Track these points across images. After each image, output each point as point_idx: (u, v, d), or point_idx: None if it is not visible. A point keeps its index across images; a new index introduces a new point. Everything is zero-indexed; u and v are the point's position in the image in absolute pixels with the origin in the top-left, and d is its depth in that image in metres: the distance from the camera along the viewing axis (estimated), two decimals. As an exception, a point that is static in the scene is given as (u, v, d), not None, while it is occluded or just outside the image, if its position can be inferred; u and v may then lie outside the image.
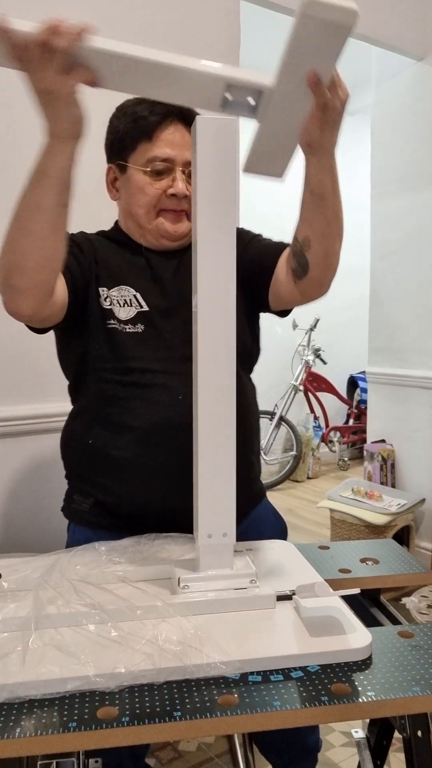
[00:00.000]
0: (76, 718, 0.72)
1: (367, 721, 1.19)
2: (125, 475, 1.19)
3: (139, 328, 1.20)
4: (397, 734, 0.98)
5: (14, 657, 0.80)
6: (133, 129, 1.21)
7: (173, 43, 2.00)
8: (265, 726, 0.74)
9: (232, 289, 0.94)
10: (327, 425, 5.00)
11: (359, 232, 4.23)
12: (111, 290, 1.22)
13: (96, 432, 1.23)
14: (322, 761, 1.66)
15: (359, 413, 5.09)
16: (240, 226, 1.34)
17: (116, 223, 1.37)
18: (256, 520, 1.31)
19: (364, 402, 4.83)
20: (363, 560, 1.19)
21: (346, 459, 4.99)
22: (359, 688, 0.78)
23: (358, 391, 5.12)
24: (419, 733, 0.87)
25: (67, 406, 1.89)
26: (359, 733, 1.16)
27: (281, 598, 0.95)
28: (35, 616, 0.86)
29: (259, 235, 1.35)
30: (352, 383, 5.20)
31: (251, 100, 0.88)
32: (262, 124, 0.91)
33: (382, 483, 3.09)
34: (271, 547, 1.17)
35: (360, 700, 0.76)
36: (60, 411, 1.87)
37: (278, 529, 1.36)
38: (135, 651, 0.81)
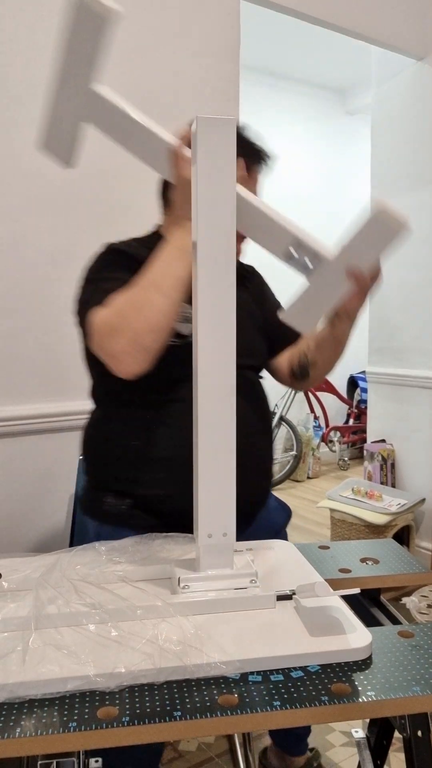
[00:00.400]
0: (76, 717, 0.72)
1: (367, 721, 1.19)
2: (170, 474, 1.21)
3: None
4: (397, 734, 0.98)
5: (14, 657, 0.80)
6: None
7: (173, 43, 2.00)
8: (265, 726, 0.75)
9: (232, 289, 0.94)
10: (327, 425, 5.00)
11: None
12: None
13: (138, 433, 1.23)
14: (322, 761, 1.67)
15: (359, 413, 5.09)
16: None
17: (155, 232, 1.38)
18: (268, 507, 1.36)
19: (364, 402, 4.83)
20: (363, 560, 1.19)
21: (346, 459, 5.00)
22: (359, 688, 0.78)
23: (358, 390, 5.12)
24: (419, 733, 0.87)
25: (67, 406, 1.89)
26: (359, 732, 1.16)
27: (281, 597, 0.95)
28: (35, 616, 0.86)
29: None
30: (352, 383, 5.21)
31: (309, 264, 1.04)
32: (311, 285, 1.07)
33: (382, 483, 3.09)
34: (271, 546, 1.17)
35: (360, 699, 0.76)
36: (61, 411, 1.88)
37: (287, 513, 1.45)
38: (135, 651, 0.81)
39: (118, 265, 1.22)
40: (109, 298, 1.11)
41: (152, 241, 1.29)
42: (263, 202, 1.05)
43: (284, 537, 1.40)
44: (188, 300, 1.18)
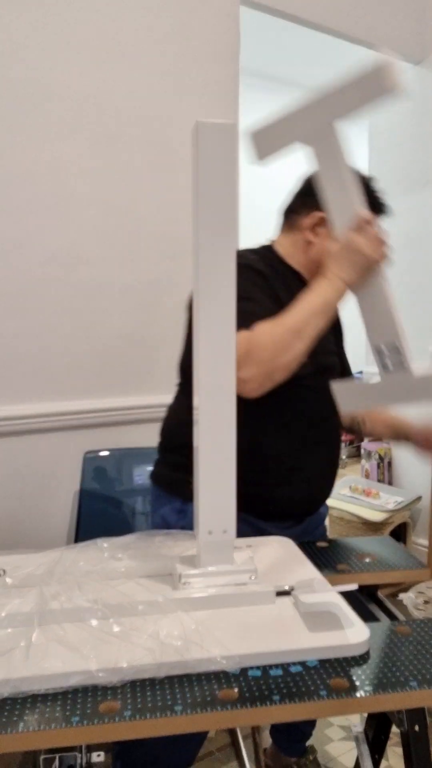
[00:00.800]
0: (78, 712, 0.73)
1: (365, 715, 1.20)
2: (272, 466, 1.30)
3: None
4: (394, 728, 1.00)
5: (18, 652, 0.81)
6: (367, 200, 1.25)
7: (173, 47, 2.00)
8: (265, 720, 0.76)
9: (232, 290, 0.95)
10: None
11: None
12: None
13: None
14: (320, 755, 1.68)
15: (357, 411, 5.09)
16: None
17: (270, 247, 1.39)
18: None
19: (362, 400, 4.83)
20: (361, 557, 1.20)
21: (344, 457, 5.00)
22: (357, 683, 0.79)
23: (356, 389, 5.12)
24: (417, 728, 0.89)
25: (68, 405, 1.90)
26: (357, 727, 1.17)
27: (280, 593, 0.96)
28: (39, 612, 0.87)
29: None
30: (350, 382, 5.20)
31: (390, 366, 1.16)
32: (380, 382, 1.15)
33: (379, 481, 3.10)
34: (271, 543, 1.18)
35: (358, 694, 0.78)
36: (61, 410, 1.89)
37: (324, 513, 1.52)
38: (137, 646, 0.82)
39: (257, 286, 1.27)
40: (253, 325, 1.17)
41: (268, 257, 1.35)
42: (389, 288, 1.13)
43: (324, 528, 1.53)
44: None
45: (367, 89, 1.01)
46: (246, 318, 1.18)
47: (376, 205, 1.32)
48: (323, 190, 1.15)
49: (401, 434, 1.46)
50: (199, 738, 1.35)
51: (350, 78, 1.03)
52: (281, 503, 1.32)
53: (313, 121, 1.08)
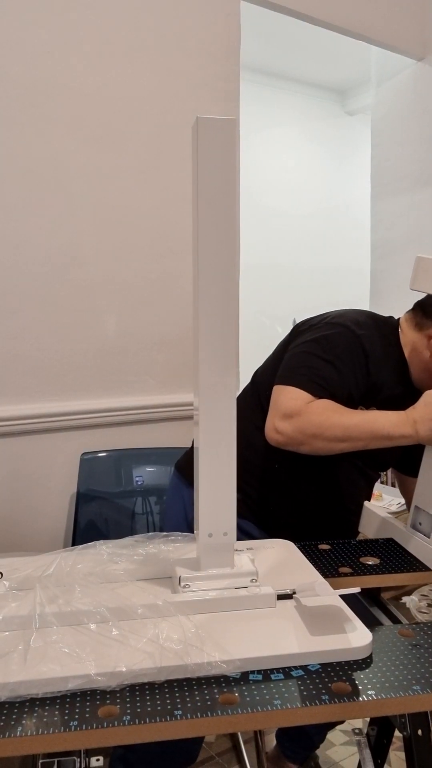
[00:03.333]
0: (77, 716, 0.72)
1: (368, 719, 1.19)
2: (289, 502, 1.34)
3: None
4: (397, 733, 0.99)
5: (16, 656, 0.80)
6: None
7: (173, 43, 2.00)
8: (266, 725, 0.75)
9: (233, 290, 0.94)
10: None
11: (359, 232, 4.22)
12: (369, 405, 1.28)
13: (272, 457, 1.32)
14: (323, 760, 1.67)
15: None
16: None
17: (395, 322, 1.38)
18: None
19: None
20: (363, 559, 1.19)
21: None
22: (359, 687, 0.78)
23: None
24: (419, 732, 0.88)
25: (67, 406, 1.89)
26: (360, 731, 1.16)
27: (282, 597, 0.95)
28: (36, 615, 0.86)
29: None
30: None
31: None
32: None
33: (382, 482, 3.09)
34: (272, 546, 1.17)
35: (360, 698, 0.77)
36: (58, 411, 1.88)
37: None
38: (136, 650, 0.81)
39: (353, 363, 1.25)
40: (322, 392, 1.19)
41: (387, 333, 1.33)
42: None
43: None
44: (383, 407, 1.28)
45: None
46: (320, 382, 1.21)
47: None
48: None
49: None
50: (200, 737, 1.35)
51: None
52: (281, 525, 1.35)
53: None
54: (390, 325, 1.36)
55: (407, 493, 1.48)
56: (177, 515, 1.42)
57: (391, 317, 1.39)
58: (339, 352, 1.24)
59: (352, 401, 1.22)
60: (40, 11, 1.77)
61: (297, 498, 1.34)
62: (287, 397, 1.20)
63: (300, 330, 1.34)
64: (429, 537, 1.21)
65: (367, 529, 1.42)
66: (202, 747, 1.73)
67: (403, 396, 1.27)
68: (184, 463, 1.48)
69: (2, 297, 1.79)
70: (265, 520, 1.36)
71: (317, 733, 1.55)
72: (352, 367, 1.23)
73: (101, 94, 1.89)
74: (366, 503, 1.44)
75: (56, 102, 1.81)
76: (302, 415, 1.16)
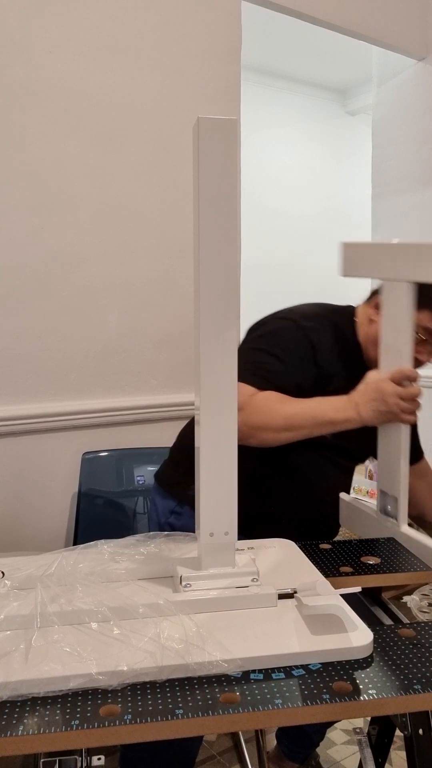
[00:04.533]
0: (78, 716, 0.72)
1: (369, 719, 1.19)
2: (268, 497, 1.33)
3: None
4: (398, 732, 0.99)
5: (17, 655, 0.80)
6: (422, 291, 1.22)
7: (175, 44, 2.00)
8: (267, 724, 0.75)
9: (234, 290, 0.94)
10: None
11: (360, 231, 4.21)
12: (324, 390, 1.26)
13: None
14: (323, 759, 1.67)
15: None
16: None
17: (352, 310, 1.39)
18: None
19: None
20: (364, 559, 1.19)
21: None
22: (360, 686, 0.78)
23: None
24: (420, 731, 0.88)
25: (68, 406, 1.90)
26: (361, 731, 1.16)
27: (283, 596, 0.95)
28: (38, 614, 0.86)
29: None
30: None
31: None
32: None
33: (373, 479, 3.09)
34: (273, 545, 1.17)
35: (361, 698, 0.77)
36: (62, 410, 1.88)
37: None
38: (137, 649, 0.81)
39: (298, 353, 1.27)
40: (265, 384, 1.20)
41: (344, 317, 1.35)
42: (407, 448, 1.17)
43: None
44: (339, 392, 1.26)
45: None
46: (265, 375, 1.22)
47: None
48: (382, 328, 1.17)
49: None
50: (199, 736, 1.35)
51: None
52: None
53: (396, 271, 1.10)
54: (346, 314, 1.37)
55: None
56: (152, 523, 1.44)
57: (349, 306, 1.40)
58: (284, 345, 1.27)
59: (301, 393, 1.23)
60: (40, 11, 1.78)
61: (269, 495, 1.34)
62: (241, 395, 1.20)
63: (252, 329, 1.36)
64: (397, 520, 1.21)
65: (345, 522, 1.43)
66: (203, 746, 1.73)
67: (358, 384, 1.28)
68: (160, 473, 1.49)
69: (4, 297, 1.79)
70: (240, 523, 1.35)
71: (316, 732, 1.55)
72: (299, 358, 1.25)
73: (102, 95, 1.89)
74: (341, 495, 1.42)
75: (57, 102, 1.81)
76: (246, 409, 1.16)
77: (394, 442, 1.18)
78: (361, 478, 3.19)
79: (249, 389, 1.20)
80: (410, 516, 1.47)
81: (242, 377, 1.20)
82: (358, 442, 1.30)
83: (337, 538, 2.15)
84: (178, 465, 1.43)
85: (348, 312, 1.38)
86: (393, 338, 1.16)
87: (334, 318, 1.34)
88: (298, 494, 1.37)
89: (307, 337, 1.28)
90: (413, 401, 1.13)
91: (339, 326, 1.33)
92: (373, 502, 2.91)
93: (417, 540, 1.18)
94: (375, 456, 1.39)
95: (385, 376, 1.14)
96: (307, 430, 1.17)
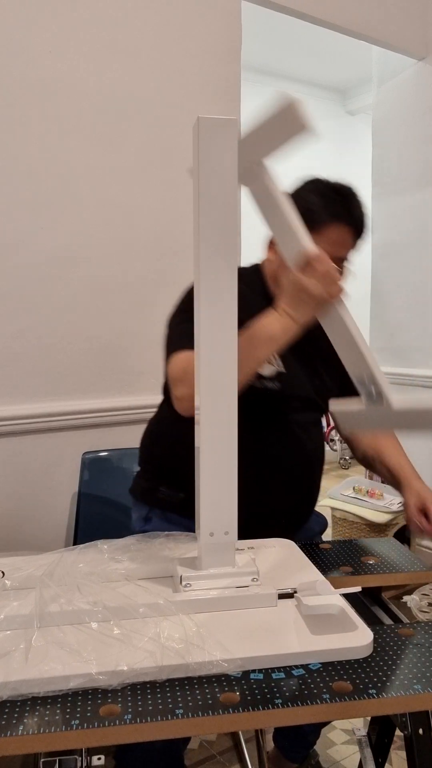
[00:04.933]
0: (78, 715, 0.73)
1: (369, 719, 1.19)
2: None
3: (276, 385, 1.27)
4: (398, 732, 0.99)
5: (17, 655, 0.80)
6: (305, 214, 1.21)
7: (175, 44, 2.00)
8: (267, 723, 0.75)
9: (233, 290, 0.94)
10: (328, 424, 5.00)
11: (360, 231, 4.18)
12: None
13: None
14: (323, 759, 1.67)
15: (360, 412, 5.08)
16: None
17: (257, 267, 1.38)
18: (311, 521, 1.44)
19: (366, 401, 4.81)
20: (364, 558, 1.19)
21: (347, 458, 5.00)
22: (360, 686, 0.78)
23: (359, 390, 5.11)
24: (420, 731, 0.88)
25: (68, 405, 1.90)
26: (361, 730, 1.16)
27: (283, 596, 0.95)
28: (38, 614, 0.87)
29: None
30: (354, 382, 5.20)
31: (374, 395, 1.09)
32: (368, 409, 1.11)
33: (383, 482, 3.08)
34: (273, 545, 1.17)
35: (361, 697, 0.77)
36: (62, 410, 1.88)
37: (321, 525, 1.49)
38: (137, 649, 0.81)
39: None
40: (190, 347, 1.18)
41: (251, 277, 1.34)
42: (355, 324, 1.10)
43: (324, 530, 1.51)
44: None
45: (279, 130, 0.98)
46: (181, 342, 1.20)
47: (354, 220, 1.27)
48: (269, 227, 1.12)
49: (397, 488, 1.41)
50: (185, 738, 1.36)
51: (263, 119, 0.99)
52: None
53: (241, 162, 1.07)
54: (253, 268, 1.38)
55: (355, 442, 1.50)
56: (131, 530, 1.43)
57: (254, 264, 1.40)
58: (186, 306, 1.28)
59: None
60: (40, 11, 1.77)
61: (252, 488, 1.27)
62: (171, 366, 1.21)
63: (170, 314, 1.37)
64: (382, 398, 1.11)
65: (348, 429, 1.35)
66: (203, 746, 1.73)
67: None
68: (131, 487, 1.48)
69: (3, 297, 1.79)
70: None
71: (312, 732, 1.55)
72: None
73: (102, 94, 1.89)
74: (332, 406, 1.27)
75: (57, 102, 1.81)
76: (188, 370, 1.12)
77: (340, 326, 1.11)
78: (361, 477, 3.20)
79: (184, 354, 1.18)
80: (366, 458, 1.48)
81: (173, 349, 1.22)
82: (305, 389, 1.30)
83: (336, 538, 2.13)
84: (146, 473, 1.44)
85: (254, 268, 1.38)
86: (280, 229, 1.10)
87: (242, 274, 1.34)
88: (273, 468, 1.32)
89: None
90: (329, 274, 1.07)
91: (248, 281, 1.31)
92: (373, 502, 2.89)
93: (412, 409, 1.10)
94: (330, 393, 1.35)
95: (295, 272, 1.09)
96: (254, 360, 1.13)
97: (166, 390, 1.38)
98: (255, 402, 1.25)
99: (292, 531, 1.33)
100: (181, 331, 1.26)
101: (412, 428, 1.13)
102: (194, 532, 1.28)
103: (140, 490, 1.43)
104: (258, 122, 0.99)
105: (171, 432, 1.37)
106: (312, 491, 1.41)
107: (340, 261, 1.26)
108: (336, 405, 1.18)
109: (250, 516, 1.12)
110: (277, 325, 1.12)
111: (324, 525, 1.51)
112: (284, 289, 1.12)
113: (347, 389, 1.43)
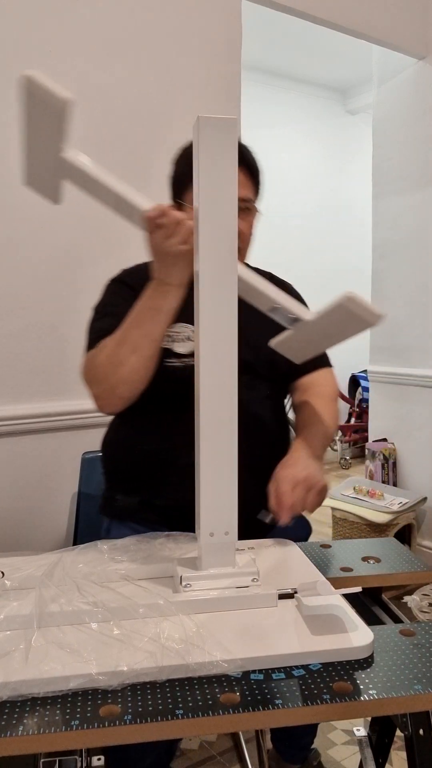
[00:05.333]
0: (78, 716, 0.72)
1: (369, 719, 1.19)
2: (181, 481, 1.20)
3: None
4: (398, 732, 0.98)
5: (17, 655, 0.80)
6: (189, 169, 1.20)
7: (175, 43, 2.00)
8: (267, 724, 0.75)
9: (233, 290, 0.94)
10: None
11: (361, 230, 4.21)
12: (170, 328, 1.23)
13: (151, 440, 1.28)
14: (324, 759, 1.67)
15: (361, 412, 5.09)
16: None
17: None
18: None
19: (366, 401, 4.83)
20: (365, 559, 1.19)
21: (347, 458, 5.00)
22: (361, 687, 0.78)
23: (359, 389, 5.12)
24: (421, 731, 0.87)
25: (68, 405, 1.89)
26: (361, 731, 1.16)
27: (283, 596, 0.95)
28: (38, 614, 0.86)
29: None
30: (354, 382, 5.20)
31: (291, 319, 1.10)
32: (294, 333, 1.12)
33: (383, 481, 3.09)
34: (273, 545, 1.17)
35: (362, 698, 0.76)
36: (62, 410, 1.88)
37: (306, 531, 1.41)
38: (137, 649, 0.81)
39: (116, 299, 1.29)
40: (99, 344, 1.19)
41: (140, 273, 1.31)
42: (246, 270, 1.09)
43: (308, 536, 1.43)
44: (187, 320, 1.22)
45: (347, 324, 1.07)
46: (100, 334, 1.22)
47: (242, 157, 1.22)
48: (108, 207, 1.11)
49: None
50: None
51: (324, 315, 1.06)
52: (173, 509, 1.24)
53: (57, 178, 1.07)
54: (144, 266, 1.35)
55: (297, 410, 1.41)
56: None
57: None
58: (107, 301, 1.31)
59: None
60: (40, 11, 1.77)
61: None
62: (82, 369, 1.23)
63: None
64: (296, 317, 1.10)
65: (286, 353, 1.24)
66: (203, 746, 1.73)
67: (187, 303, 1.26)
68: (103, 502, 1.41)
69: (3, 297, 1.79)
70: (182, 515, 1.17)
71: (307, 733, 1.55)
72: (122, 299, 1.26)
73: (102, 94, 1.89)
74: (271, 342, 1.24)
75: (57, 101, 1.81)
76: (91, 368, 1.16)
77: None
78: (362, 478, 3.20)
79: (88, 354, 1.20)
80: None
81: (85, 349, 1.25)
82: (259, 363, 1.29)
83: (336, 538, 2.13)
84: (106, 483, 1.41)
85: (144, 264, 1.37)
86: (116, 204, 1.08)
87: (131, 272, 1.38)
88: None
89: (122, 281, 1.32)
90: (175, 223, 1.03)
91: (135, 279, 1.32)
92: (373, 502, 2.89)
93: (322, 313, 1.08)
94: (273, 356, 1.28)
95: (145, 236, 1.07)
96: (142, 334, 1.12)
97: None
98: (182, 383, 1.17)
99: (261, 528, 1.20)
100: (90, 329, 1.29)
101: (337, 332, 1.11)
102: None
103: (101, 503, 1.40)
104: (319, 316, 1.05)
105: (119, 436, 1.37)
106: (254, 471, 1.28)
107: (243, 202, 1.25)
108: (273, 341, 1.17)
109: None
110: (155, 294, 1.11)
111: (308, 530, 1.43)
112: (151, 256, 1.09)
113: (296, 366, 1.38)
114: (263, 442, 1.29)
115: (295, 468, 1.14)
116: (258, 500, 1.13)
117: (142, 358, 1.14)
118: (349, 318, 1.05)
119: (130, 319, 1.14)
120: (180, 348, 1.26)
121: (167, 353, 1.25)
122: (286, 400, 1.46)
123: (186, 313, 1.24)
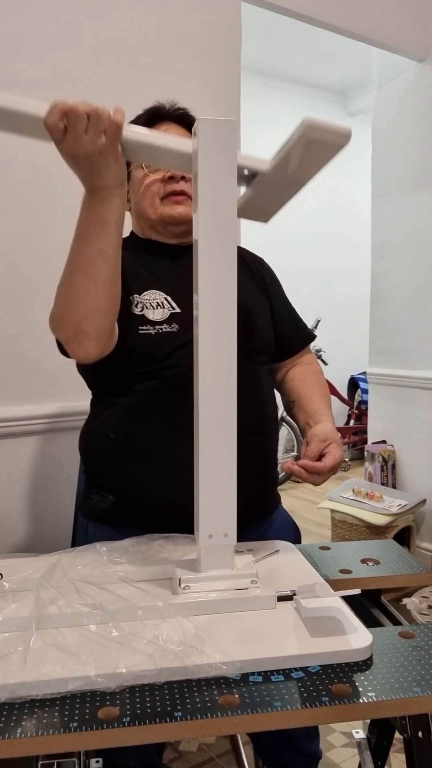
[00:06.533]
0: (77, 718, 0.72)
1: (368, 721, 1.19)
2: (149, 465, 1.20)
3: (174, 327, 1.21)
4: (397, 735, 0.98)
5: (15, 657, 0.80)
6: (144, 121, 1.21)
7: (174, 45, 2.00)
8: (266, 726, 0.74)
9: (233, 290, 0.94)
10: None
11: (360, 232, 4.20)
12: (141, 295, 1.23)
13: (119, 425, 1.23)
14: (323, 762, 1.67)
15: (360, 414, 5.09)
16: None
17: (132, 233, 1.39)
18: (275, 525, 1.34)
19: (365, 403, 4.83)
20: (364, 561, 1.19)
21: (346, 460, 5.00)
22: (360, 689, 0.78)
23: (358, 392, 5.12)
24: (420, 734, 0.87)
25: (68, 407, 1.89)
26: (360, 733, 1.16)
27: (282, 598, 0.95)
28: (36, 616, 0.86)
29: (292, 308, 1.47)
30: (353, 384, 5.21)
31: (246, 177, 1.03)
32: (253, 191, 1.04)
33: (382, 484, 3.09)
34: (273, 547, 1.17)
35: (361, 700, 0.76)
36: (61, 411, 1.88)
37: (294, 535, 1.39)
38: (136, 651, 0.81)
39: None
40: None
41: (131, 238, 1.33)
42: (161, 136, 1.01)
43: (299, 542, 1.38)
44: (158, 286, 1.22)
45: (317, 154, 0.98)
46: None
47: (168, 113, 1.33)
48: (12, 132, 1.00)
49: (304, 432, 1.29)
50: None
51: (287, 150, 0.96)
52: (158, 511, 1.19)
53: None
54: (129, 236, 1.36)
55: (283, 388, 1.43)
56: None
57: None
58: None
59: (129, 292, 1.21)
60: (40, 11, 1.77)
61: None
62: (49, 319, 1.16)
63: None
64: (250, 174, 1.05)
65: (248, 216, 1.21)
66: (201, 748, 1.73)
67: (155, 268, 1.27)
68: (80, 500, 1.39)
69: (4, 297, 1.79)
70: (162, 512, 1.19)
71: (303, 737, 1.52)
72: None
73: (102, 95, 1.89)
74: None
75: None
76: (53, 313, 1.11)
77: (137, 147, 1.01)
78: (361, 480, 3.20)
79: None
80: (288, 405, 1.42)
81: None
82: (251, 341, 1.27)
83: (335, 540, 2.13)
84: (85, 478, 1.35)
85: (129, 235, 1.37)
86: (18, 127, 1.01)
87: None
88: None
89: None
90: (84, 121, 0.95)
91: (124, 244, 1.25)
92: (372, 504, 2.89)
93: (276, 162, 1.00)
94: (254, 322, 1.30)
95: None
96: (92, 252, 1.02)
97: (89, 387, 1.34)
98: (157, 353, 1.18)
99: (248, 520, 1.15)
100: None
101: (303, 170, 1.01)
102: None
103: (79, 502, 1.36)
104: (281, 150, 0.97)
105: (90, 429, 1.31)
106: (260, 468, 1.26)
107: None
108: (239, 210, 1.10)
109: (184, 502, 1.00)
110: (94, 202, 1.00)
111: (298, 535, 1.40)
112: (71, 167, 1.01)
113: (280, 349, 1.39)
114: (259, 425, 1.28)
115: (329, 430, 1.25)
116: (254, 480, 1.18)
117: (100, 283, 1.03)
118: (313, 148, 0.95)
119: (76, 238, 1.02)
120: (153, 315, 1.21)
121: (141, 320, 1.20)
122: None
123: (154, 278, 1.25)
